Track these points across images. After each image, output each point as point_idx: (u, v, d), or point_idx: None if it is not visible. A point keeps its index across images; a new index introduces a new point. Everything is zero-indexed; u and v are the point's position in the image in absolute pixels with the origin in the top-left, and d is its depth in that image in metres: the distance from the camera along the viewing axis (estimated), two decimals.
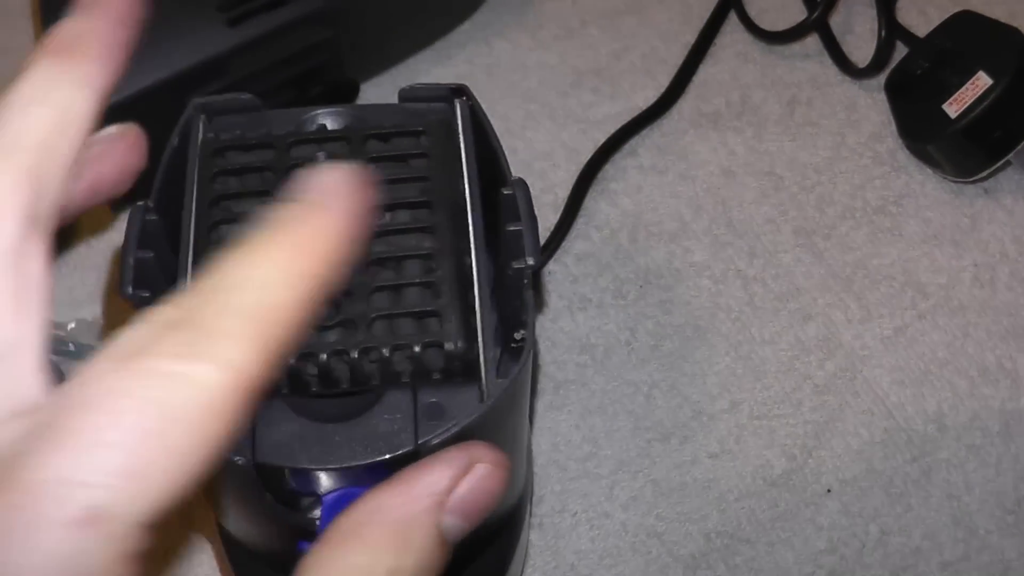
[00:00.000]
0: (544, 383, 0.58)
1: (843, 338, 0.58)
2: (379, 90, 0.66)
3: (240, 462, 0.31)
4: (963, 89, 0.58)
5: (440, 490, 0.29)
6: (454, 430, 0.31)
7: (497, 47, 0.69)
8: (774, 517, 0.54)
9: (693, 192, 0.63)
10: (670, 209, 0.62)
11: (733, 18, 0.68)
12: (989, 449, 0.56)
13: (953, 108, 0.58)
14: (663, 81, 0.66)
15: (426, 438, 0.31)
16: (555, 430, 0.57)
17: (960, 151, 0.59)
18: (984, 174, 0.60)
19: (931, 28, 0.63)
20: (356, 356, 0.31)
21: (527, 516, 0.48)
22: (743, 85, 0.66)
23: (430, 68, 0.68)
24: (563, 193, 0.62)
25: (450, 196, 0.34)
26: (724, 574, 0.53)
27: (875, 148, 0.64)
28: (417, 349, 0.31)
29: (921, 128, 0.60)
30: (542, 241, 0.61)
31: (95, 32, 0.29)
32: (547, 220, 0.62)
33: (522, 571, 0.53)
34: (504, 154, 0.37)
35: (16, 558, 0.19)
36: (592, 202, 0.63)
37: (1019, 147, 0.58)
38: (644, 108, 0.65)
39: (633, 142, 0.64)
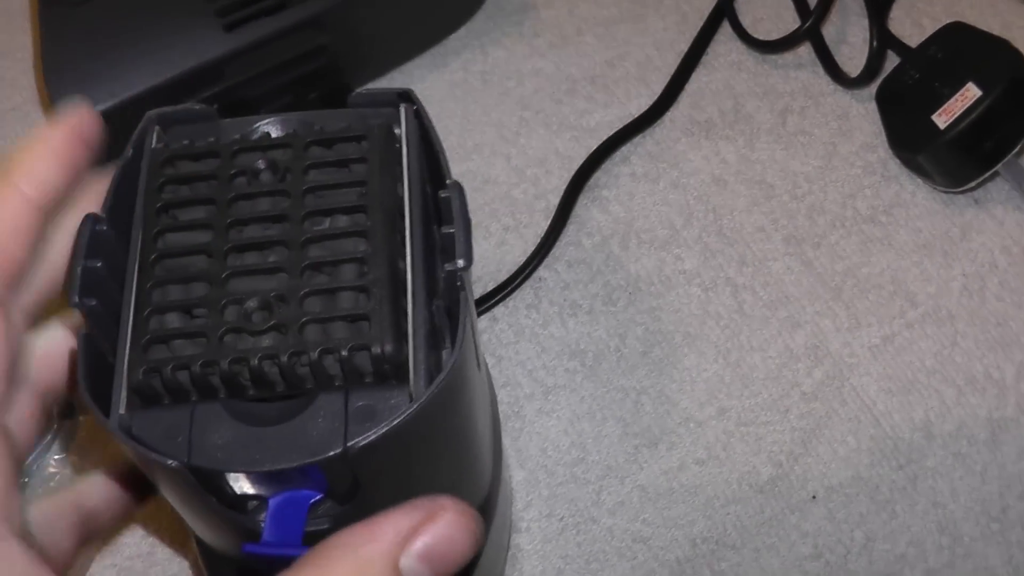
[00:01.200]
0: (534, 388, 0.58)
1: (832, 346, 0.59)
2: None
3: (174, 465, 0.32)
4: (953, 100, 0.58)
5: (401, 530, 0.31)
6: (382, 431, 0.32)
7: (492, 54, 0.69)
8: (760, 523, 0.55)
9: (685, 200, 0.63)
10: (661, 217, 0.63)
11: (727, 27, 0.69)
12: (975, 457, 0.56)
13: (942, 119, 0.58)
14: (658, 89, 0.67)
15: (354, 440, 0.32)
16: (544, 435, 0.57)
17: (949, 161, 0.59)
18: (973, 184, 0.60)
19: (923, 39, 0.63)
20: (286, 360, 0.31)
21: (506, 519, 0.49)
22: (736, 94, 0.67)
23: (425, 74, 0.68)
24: (556, 200, 0.63)
25: (389, 200, 0.34)
26: None
27: (866, 158, 0.64)
28: (345, 353, 0.32)
29: (911, 138, 0.61)
30: (533, 247, 0.62)
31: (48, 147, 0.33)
32: (540, 227, 0.62)
33: (503, 573, 0.53)
34: (446, 158, 0.37)
35: None
36: (584, 209, 0.63)
37: (1008, 158, 0.58)
38: (637, 115, 0.65)
39: (626, 149, 0.65)
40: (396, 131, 0.37)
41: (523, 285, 0.61)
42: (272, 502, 0.34)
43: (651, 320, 0.60)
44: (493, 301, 0.61)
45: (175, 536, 0.56)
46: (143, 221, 0.35)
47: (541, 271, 0.61)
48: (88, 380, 0.33)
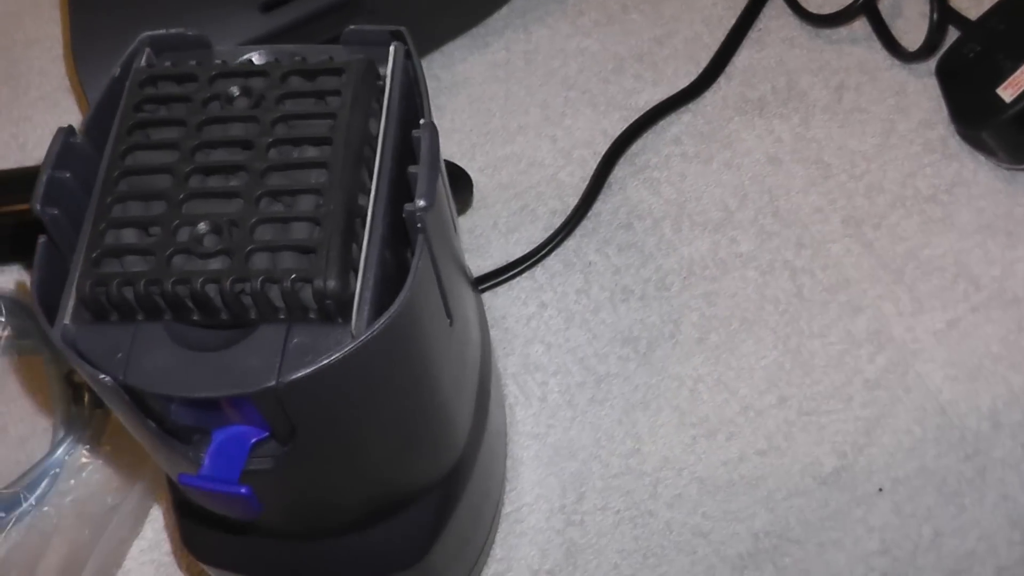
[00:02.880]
0: (585, 376, 0.57)
1: (894, 331, 0.56)
2: None
3: (107, 382, 0.32)
4: (1018, 72, 0.56)
5: None
6: (315, 367, 0.31)
7: (536, 33, 0.67)
8: (824, 517, 0.53)
9: (738, 181, 0.61)
10: (715, 198, 0.61)
11: (778, 2, 0.67)
12: None
13: (1008, 92, 0.56)
14: None
15: (289, 376, 0.31)
16: (597, 425, 0.55)
17: (1016, 136, 0.57)
18: None
19: (983, 11, 0.61)
20: (229, 285, 0.31)
21: (488, 489, 0.49)
22: (789, 70, 0.65)
23: (466, 55, 0.66)
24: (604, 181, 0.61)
25: (357, 135, 0.34)
26: (773, 575, 0.52)
27: (926, 135, 0.62)
28: (288, 284, 0.31)
29: (974, 113, 0.58)
30: (566, 215, 0.61)
31: None
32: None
33: (487, 539, 0.52)
34: (428, 99, 0.37)
35: None
36: (635, 191, 0.61)
37: None
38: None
39: (676, 130, 0.63)
40: (382, 70, 0.37)
41: (573, 268, 0.59)
42: (216, 436, 0.34)
43: (706, 305, 0.58)
44: (525, 265, 0.60)
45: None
46: (115, 138, 0.35)
47: (591, 255, 0.59)
48: (41, 288, 0.34)
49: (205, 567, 0.45)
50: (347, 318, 0.32)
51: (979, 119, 0.58)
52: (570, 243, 0.60)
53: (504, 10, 0.68)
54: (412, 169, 0.35)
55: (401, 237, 0.35)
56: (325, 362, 0.31)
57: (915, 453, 0.54)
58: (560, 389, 0.56)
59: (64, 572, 0.53)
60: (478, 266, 0.60)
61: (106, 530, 0.53)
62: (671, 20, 0.67)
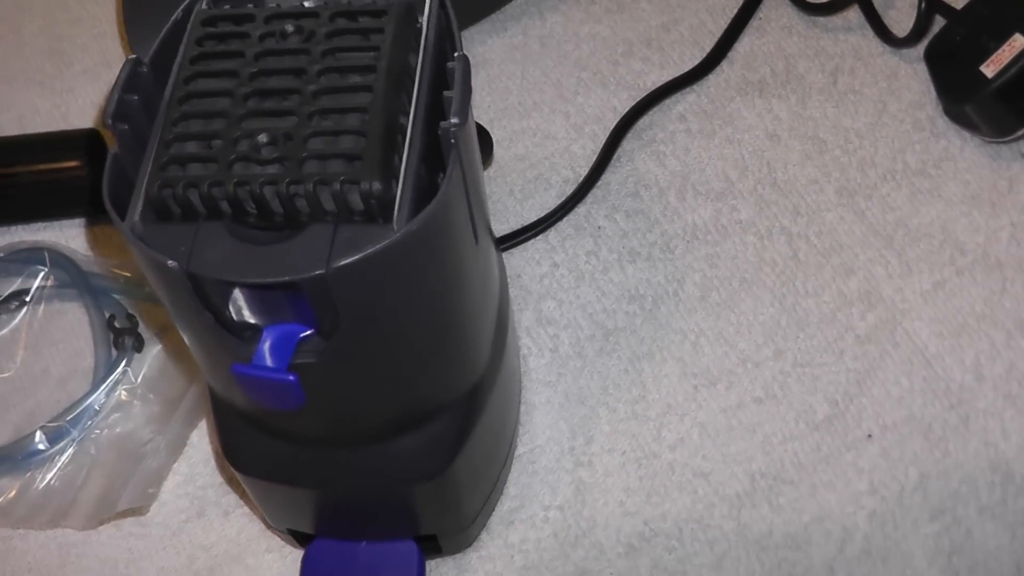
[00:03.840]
0: (594, 330, 0.60)
1: (884, 292, 0.60)
2: None
3: (172, 265, 0.36)
4: (1000, 51, 0.60)
5: None
6: (361, 255, 0.35)
7: (551, 20, 0.71)
8: (817, 460, 0.56)
9: (739, 154, 0.65)
10: (717, 170, 0.65)
11: None
12: None
13: (990, 69, 0.60)
14: None
15: (337, 262, 0.35)
16: (605, 374, 0.59)
17: (997, 109, 0.61)
18: (1020, 133, 0.62)
19: (968, 1, 0.65)
20: (285, 187, 0.35)
21: (515, 394, 0.53)
22: (788, 55, 0.69)
23: (485, 38, 0.71)
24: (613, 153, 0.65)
25: (398, 65, 0.39)
26: (768, 513, 0.55)
27: (915, 115, 0.66)
28: (337, 186, 0.35)
29: (959, 89, 0.62)
30: (577, 183, 0.65)
31: None
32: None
33: (503, 469, 0.56)
34: (460, 38, 0.42)
35: None
36: (642, 163, 0.65)
37: None
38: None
39: (681, 108, 0.67)
40: (420, 18, 0.42)
41: (584, 232, 0.63)
42: (266, 332, 0.39)
43: (708, 267, 0.62)
44: (539, 229, 0.64)
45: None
46: (179, 67, 0.40)
47: (601, 220, 0.63)
48: (112, 193, 0.38)
49: (243, 479, 0.48)
50: (388, 219, 0.36)
51: (963, 94, 0.62)
52: (581, 209, 0.64)
53: None
54: (447, 93, 0.39)
55: (436, 160, 0.39)
56: (370, 250, 0.35)
57: (903, 403, 0.57)
58: (571, 341, 0.60)
59: (102, 500, 0.56)
60: (496, 229, 0.64)
61: (143, 462, 0.57)
62: (677, 8, 0.71)
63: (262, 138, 0.37)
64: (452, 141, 0.38)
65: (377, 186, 0.35)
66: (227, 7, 0.42)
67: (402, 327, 0.40)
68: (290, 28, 0.40)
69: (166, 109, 0.39)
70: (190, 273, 0.36)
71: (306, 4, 0.42)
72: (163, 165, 0.37)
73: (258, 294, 0.39)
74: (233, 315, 0.39)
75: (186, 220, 0.37)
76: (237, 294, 0.39)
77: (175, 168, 0.37)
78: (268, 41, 0.40)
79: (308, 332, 0.39)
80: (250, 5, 0.42)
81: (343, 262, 0.35)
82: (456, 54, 0.40)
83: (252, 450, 0.47)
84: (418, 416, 0.46)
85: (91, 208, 0.67)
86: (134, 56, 0.40)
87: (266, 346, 0.39)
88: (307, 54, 0.39)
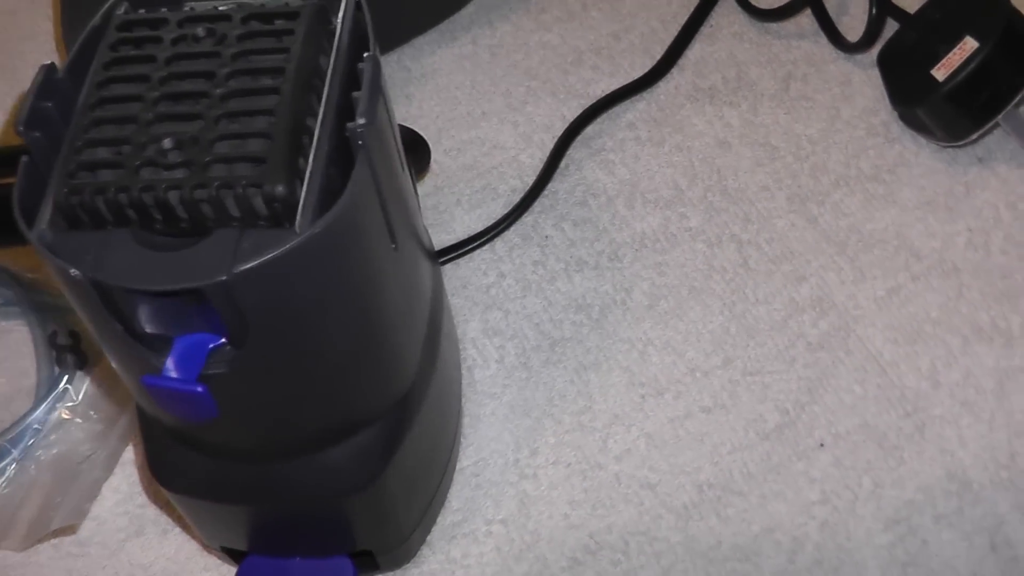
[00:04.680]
0: (540, 340, 0.59)
1: (836, 298, 0.59)
2: (386, 68, 0.68)
3: (76, 275, 0.35)
4: (951, 54, 0.59)
5: None
6: (262, 259, 0.35)
7: (501, 29, 0.71)
8: (767, 469, 0.55)
9: (689, 161, 0.64)
10: (666, 178, 0.64)
11: (730, 0, 0.70)
12: (983, 405, 0.56)
13: (941, 72, 0.59)
14: None
15: (238, 267, 0.34)
16: (550, 385, 0.58)
17: (948, 113, 0.60)
18: (974, 137, 0.61)
19: (921, 5, 0.64)
20: (189, 192, 0.35)
21: (453, 405, 0.52)
22: (739, 62, 0.68)
23: (435, 48, 0.70)
24: (561, 162, 0.64)
25: (307, 67, 0.38)
26: (716, 525, 0.54)
27: (869, 120, 0.65)
28: (241, 190, 0.35)
29: (911, 93, 0.61)
30: (524, 192, 0.64)
31: None
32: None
33: (442, 481, 0.54)
34: (374, 40, 0.42)
35: None
36: (590, 171, 0.64)
37: (1007, 109, 0.59)
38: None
39: (631, 116, 0.66)
40: (335, 19, 0.41)
41: (531, 241, 0.62)
42: (177, 342, 0.38)
43: (656, 275, 0.60)
44: (485, 238, 0.63)
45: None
46: (92, 72, 0.39)
47: (548, 230, 0.62)
48: (22, 201, 0.37)
49: (170, 495, 0.47)
50: (293, 223, 0.35)
51: (915, 98, 0.61)
52: (528, 219, 0.63)
53: (471, 7, 0.71)
54: (355, 94, 0.38)
55: (349, 163, 0.38)
56: (271, 255, 0.34)
57: (856, 410, 0.56)
58: (516, 352, 0.59)
59: (37, 520, 0.55)
60: (442, 240, 0.63)
61: (78, 479, 0.56)
62: (628, 17, 0.71)
63: (167, 143, 0.36)
64: (360, 142, 0.37)
65: (280, 189, 0.35)
66: (142, 12, 0.41)
67: (316, 335, 0.39)
68: (202, 32, 0.39)
69: (78, 114, 0.38)
70: (95, 281, 0.35)
71: (220, 7, 0.42)
72: (72, 172, 0.36)
73: (167, 303, 0.38)
74: (144, 325, 0.38)
75: (95, 227, 0.36)
76: (146, 303, 0.38)
77: (84, 175, 0.36)
78: (180, 45, 0.39)
79: (220, 342, 0.38)
80: (164, 9, 0.41)
81: (244, 267, 0.34)
82: (366, 55, 0.39)
83: (177, 466, 0.45)
84: (345, 427, 0.44)
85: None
86: (49, 62, 0.39)
87: (175, 356, 0.38)
88: (218, 57, 0.39)
